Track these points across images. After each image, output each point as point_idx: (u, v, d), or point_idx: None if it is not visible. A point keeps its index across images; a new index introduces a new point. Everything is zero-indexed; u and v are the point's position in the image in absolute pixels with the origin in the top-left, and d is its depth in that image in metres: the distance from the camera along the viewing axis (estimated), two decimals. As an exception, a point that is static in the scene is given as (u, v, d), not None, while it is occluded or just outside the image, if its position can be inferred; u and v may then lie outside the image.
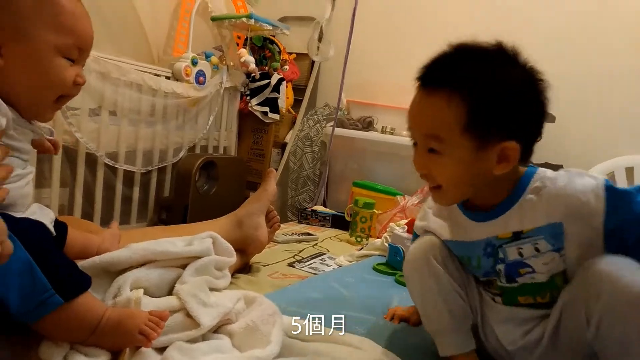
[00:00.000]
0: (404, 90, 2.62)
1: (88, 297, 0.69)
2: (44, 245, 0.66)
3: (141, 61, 2.09)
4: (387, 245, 1.48)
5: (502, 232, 0.76)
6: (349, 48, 2.24)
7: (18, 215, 0.67)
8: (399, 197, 1.87)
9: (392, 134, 2.42)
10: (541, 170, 0.76)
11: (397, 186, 2.06)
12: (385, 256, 1.47)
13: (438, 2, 2.44)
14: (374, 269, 1.40)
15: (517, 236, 0.75)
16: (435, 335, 0.85)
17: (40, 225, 0.69)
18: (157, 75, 2.01)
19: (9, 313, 0.62)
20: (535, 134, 0.73)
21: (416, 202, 1.82)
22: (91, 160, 1.79)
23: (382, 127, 2.44)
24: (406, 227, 1.44)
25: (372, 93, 2.52)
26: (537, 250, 0.74)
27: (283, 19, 2.68)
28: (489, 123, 0.69)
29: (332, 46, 2.25)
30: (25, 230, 0.65)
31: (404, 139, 2.35)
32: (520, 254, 0.75)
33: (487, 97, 0.69)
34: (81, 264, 0.78)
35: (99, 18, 2.26)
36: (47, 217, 0.73)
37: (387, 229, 1.58)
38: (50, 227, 0.73)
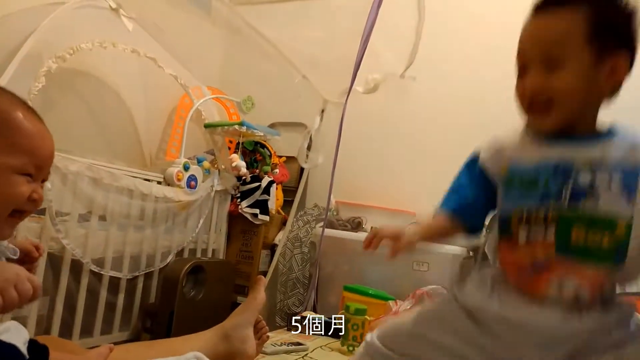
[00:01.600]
0: (391, 192, 2.69)
1: None
2: None
3: (134, 165, 2.14)
4: (380, 356, 1.41)
5: (580, 158, 0.78)
6: (336, 154, 2.32)
7: None
8: (390, 303, 1.83)
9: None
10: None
11: (388, 289, 2.02)
12: (379, 368, 1.40)
13: (416, 109, 2.57)
14: (368, 383, 1.33)
15: (593, 165, 0.77)
16: None
17: (11, 348, 0.66)
18: (148, 180, 2.05)
19: None
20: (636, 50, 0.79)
21: (408, 307, 1.77)
22: (76, 267, 1.75)
23: (371, 227, 2.45)
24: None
25: (360, 194, 2.57)
26: (608, 185, 0.76)
27: (273, 125, 2.79)
28: (607, 35, 0.76)
29: (321, 154, 2.34)
30: None
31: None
32: (591, 182, 0.77)
33: (606, 10, 0.77)
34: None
35: (96, 123, 2.35)
36: (20, 337, 0.70)
37: (380, 338, 1.52)
38: (23, 348, 0.69)
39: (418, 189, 2.49)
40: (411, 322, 0.90)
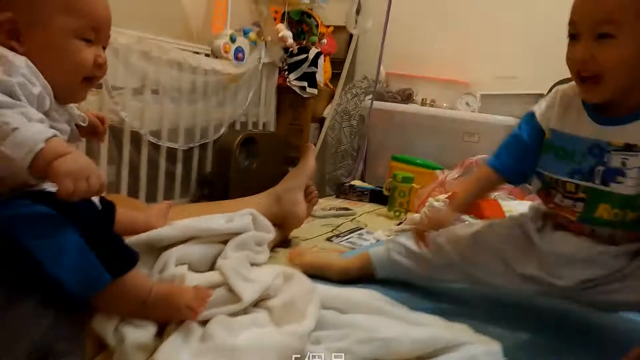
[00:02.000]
0: (444, 61, 2.58)
1: (136, 274, 0.72)
2: (93, 223, 0.69)
3: (180, 39, 2.12)
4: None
5: (616, 140, 0.82)
6: (387, 20, 2.19)
7: None
8: (438, 172, 1.84)
9: (432, 106, 2.37)
10: None
11: (437, 160, 2.03)
12: (424, 231, 1.46)
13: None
14: (412, 243, 1.40)
15: (628, 147, 0.81)
16: None
17: (87, 201, 0.72)
18: (196, 53, 2.04)
19: (64, 291, 0.66)
20: None
21: (456, 176, 1.79)
22: (136, 138, 1.85)
23: (422, 99, 2.39)
24: (447, 202, 1.42)
25: (411, 65, 2.47)
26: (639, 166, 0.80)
27: (320, -8, 2.64)
28: None
29: (370, 18, 2.21)
30: (72, 206, 0.67)
31: (445, 111, 2.30)
32: (624, 164, 0.81)
33: None
34: (128, 240, 0.81)
35: (139, -3, 2.30)
36: None
37: (426, 204, 1.57)
38: (95, 200, 0.76)
39: (473, 58, 2.36)
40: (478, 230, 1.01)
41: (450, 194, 1.48)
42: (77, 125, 0.85)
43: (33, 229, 0.62)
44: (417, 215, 1.58)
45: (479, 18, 2.35)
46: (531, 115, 0.94)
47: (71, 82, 0.71)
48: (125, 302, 0.71)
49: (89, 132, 0.87)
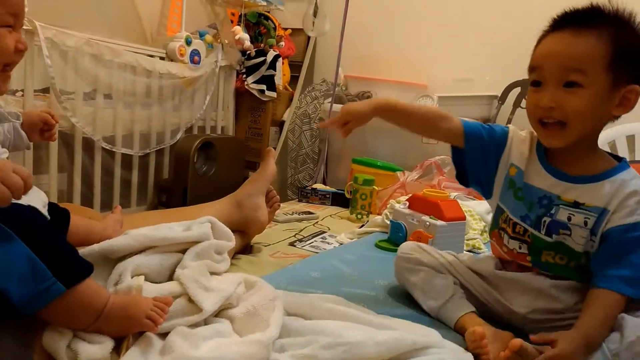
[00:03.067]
0: (402, 64, 2.60)
1: (91, 284, 0.68)
2: (39, 232, 0.66)
3: (134, 42, 2.06)
4: (388, 222, 1.48)
5: (566, 196, 0.85)
6: (344, 22, 2.20)
7: None
8: (398, 173, 1.86)
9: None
10: (632, 170, 0.86)
11: (397, 162, 2.05)
12: (386, 233, 1.47)
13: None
14: (377, 245, 1.40)
15: (577, 205, 0.84)
16: (439, 310, 0.93)
17: (30, 210, 0.68)
18: (151, 56, 1.99)
19: (11, 304, 0.62)
20: None
21: (416, 177, 1.81)
22: (88, 145, 1.78)
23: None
24: (407, 203, 1.44)
25: (370, 67, 2.49)
26: (585, 223, 0.83)
27: (277, -6, 2.62)
28: (627, 63, 0.79)
29: (328, 21, 2.21)
30: (17, 217, 0.63)
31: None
32: (569, 219, 0.84)
33: (629, 40, 0.79)
34: (81, 251, 0.77)
35: (90, -1, 2.22)
36: (39, 200, 0.73)
37: (388, 206, 1.58)
38: (44, 210, 0.72)
39: (430, 61, 2.40)
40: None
41: (410, 195, 1.49)
42: (25, 130, 0.80)
43: None
44: (379, 218, 1.59)
45: (435, 22, 2.39)
46: (505, 132, 0.95)
47: None
48: (79, 315, 0.67)
49: (39, 132, 0.83)
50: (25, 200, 0.68)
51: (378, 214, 1.70)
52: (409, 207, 1.41)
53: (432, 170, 1.83)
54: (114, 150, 1.85)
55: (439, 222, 1.31)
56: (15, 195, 0.56)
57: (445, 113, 0.96)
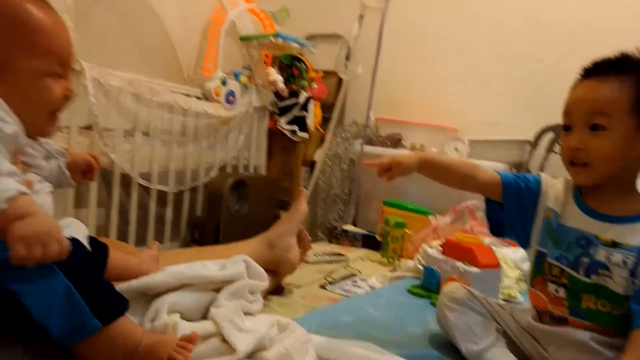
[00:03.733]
0: (432, 107, 2.61)
1: (126, 321, 0.69)
2: (82, 267, 0.67)
3: (172, 81, 2.14)
4: (420, 267, 1.45)
5: (604, 236, 0.85)
6: (376, 65, 2.24)
7: None
8: (430, 217, 1.84)
9: (421, 151, 2.40)
10: None
11: (428, 205, 2.02)
12: (419, 278, 1.44)
13: (465, 19, 2.42)
14: (409, 291, 1.38)
15: (615, 244, 0.83)
16: (479, 355, 0.92)
17: (73, 242, 0.70)
18: (187, 95, 2.05)
19: (51, 337, 0.62)
20: None
21: (448, 221, 1.78)
22: (126, 181, 1.83)
23: (411, 144, 2.42)
24: (441, 249, 1.41)
25: (400, 110, 2.51)
26: (624, 263, 0.82)
27: (310, 37, 2.70)
28: None
29: (360, 64, 2.25)
30: None
31: (434, 156, 2.32)
32: (608, 259, 0.83)
33: None
34: (119, 287, 0.78)
35: (132, 39, 2.33)
36: (81, 232, 0.74)
37: (420, 250, 1.55)
38: (85, 242, 0.73)
39: (461, 104, 2.41)
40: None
41: (445, 240, 1.46)
42: (69, 169, 0.83)
43: (18, 272, 0.59)
44: (411, 262, 1.57)
45: (466, 65, 2.41)
46: (538, 179, 0.97)
47: (39, 118, 0.71)
48: (113, 352, 0.67)
49: (81, 173, 0.86)
50: (68, 233, 0.70)
51: (410, 258, 1.68)
52: (443, 252, 1.39)
53: (465, 215, 1.80)
54: (149, 186, 1.89)
55: (474, 269, 1.28)
56: (43, 261, 0.57)
57: (478, 165, 1.00)
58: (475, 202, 1.83)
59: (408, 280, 1.48)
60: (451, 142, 2.33)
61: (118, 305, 0.69)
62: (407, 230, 1.73)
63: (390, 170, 1.01)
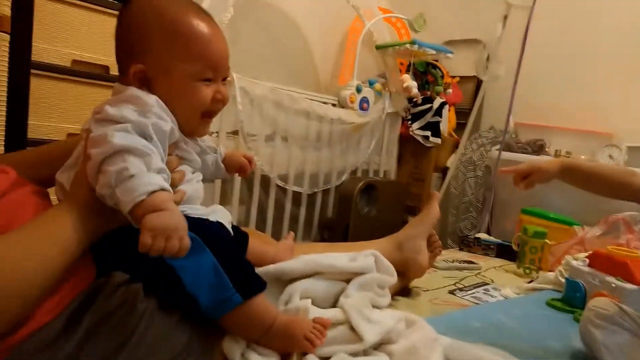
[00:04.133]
0: (581, 110, 2.40)
1: (263, 299, 0.74)
2: (226, 246, 0.74)
3: (310, 90, 2.26)
4: (562, 279, 1.33)
5: None
6: (519, 67, 2.12)
7: (197, 213, 0.75)
8: (577, 228, 1.68)
9: (567, 157, 2.20)
10: None
11: (573, 215, 1.85)
12: (560, 291, 1.33)
13: (616, 20, 2.18)
14: (548, 304, 1.27)
15: None
16: None
17: (219, 226, 0.77)
18: (324, 103, 2.15)
19: (200, 309, 0.70)
20: None
21: (598, 233, 1.61)
22: (265, 182, 1.97)
23: (556, 150, 2.24)
24: (587, 261, 1.28)
25: (543, 115, 2.34)
26: None
27: (446, 43, 2.65)
28: None
29: (503, 65, 2.15)
30: (208, 230, 0.72)
31: (583, 163, 2.12)
32: None
33: None
34: (257, 270, 0.85)
35: (275, 51, 2.51)
36: (226, 217, 0.82)
37: (563, 262, 1.43)
38: (229, 227, 0.81)
39: (616, 107, 2.17)
40: None
41: (592, 252, 1.33)
42: (225, 164, 0.93)
43: None
44: (551, 274, 1.45)
45: (621, 64, 2.17)
46: None
47: (191, 118, 0.77)
48: (251, 327, 0.73)
49: (237, 169, 0.95)
50: (214, 217, 0.78)
51: (550, 271, 1.55)
52: (589, 265, 1.26)
53: (619, 228, 1.61)
54: (286, 187, 2.01)
55: (629, 285, 1.14)
56: (165, 254, 0.60)
57: (634, 171, 0.88)
58: (634, 213, 1.63)
59: (547, 293, 1.37)
60: (604, 148, 2.11)
61: (257, 283, 0.74)
62: (547, 241, 1.60)
63: (528, 177, 0.93)
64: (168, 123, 0.70)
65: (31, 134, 1.36)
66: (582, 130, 2.20)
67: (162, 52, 0.73)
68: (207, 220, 0.77)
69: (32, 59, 1.30)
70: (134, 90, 0.70)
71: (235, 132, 1.92)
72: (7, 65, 1.13)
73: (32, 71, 1.33)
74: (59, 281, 0.63)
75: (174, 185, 0.71)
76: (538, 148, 2.25)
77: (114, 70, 1.52)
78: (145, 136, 0.66)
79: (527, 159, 1.87)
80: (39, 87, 1.47)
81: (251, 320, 0.72)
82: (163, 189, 0.62)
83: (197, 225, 0.70)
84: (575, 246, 1.60)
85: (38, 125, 1.46)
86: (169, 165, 0.71)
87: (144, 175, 0.61)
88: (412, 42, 2.25)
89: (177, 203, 0.69)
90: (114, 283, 0.66)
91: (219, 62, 0.77)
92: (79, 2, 1.50)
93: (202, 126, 0.81)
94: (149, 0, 0.74)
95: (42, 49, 1.47)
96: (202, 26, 0.75)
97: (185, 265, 0.68)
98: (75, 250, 0.64)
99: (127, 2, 0.74)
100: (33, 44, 1.25)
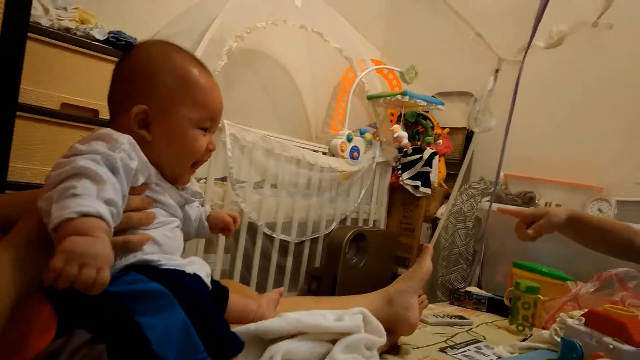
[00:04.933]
0: (570, 164, 2.42)
1: None
2: (200, 303, 0.68)
3: (302, 138, 2.26)
4: (557, 338, 1.28)
5: None
6: (510, 119, 2.14)
7: (172, 264, 0.71)
8: (570, 283, 1.64)
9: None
10: None
11: (565, 270, 1.82)
12: (555, 351, 1.27)
13: (607, 74, 2.23)
14: (543, 365, 1.22)
15: None
16: None
17: (195, 279, 0.72)
18: (315, 151, 2.14)
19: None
20: None
21: (592, 290, 1.57)
22: (252, 230, 1.93)
23: (546, 202, 2.23)
24: (583, 319, 1.24)
25: (533, 167, 2.35)
26: None
27: (437, 95, 2.70)
28: None
29: (494, 117, 2.18)
30: (183, 285, 0.67)
31: (573, 217, 2.11)
32: None
33: None
34: (237, 329, 0.80)
35: (269, 98, 2.53)
36: (204, 270, 0.77)
37: (557, 319, 1.38)
38: (207, 280, 0.76)
39: (606, 162, 2.18)
40: None
41: (587, 310, 1.29)
42: (209, 222, 0.89)
43: (145, 304, 0.62)
44: (545, 332, 1.40)
45: (610, 119, 2.20)
46: None
47: (184, 165, 0.76)
48: None
49: (220, 229, 0.91)
50: (191, 269, 0.74)
51: (544, 328, 1.50)
52: (586, 324, 1.22)
53: (613, 284, 1.57)
54: (273, 236, 1.97)
55: (626, 347, 1.09)
56: (76, 285, 0.52)
57: (634, 228, 0.82)
58: (627, 269, 1.60)
59: (542, 353, 1.31)
60: (594, 202, 2.10)
61: (233, 345, 0.69)
62: (540, 296, 1.56)
63: (533, 224, 0.86)
64: (134, 161, 0.68)
65: (12, 177, 1.33)
66: (572, 183, 2.20)
67: (168, 95, 0.73)
68: (182, 272, 0.73)
69: (20, 101, 1.28)
70: (105, 130, 0.69)
71: (224, 179, 1.90)
72: (-12, 108, 1.10)
73: (19, 113, 1.30)
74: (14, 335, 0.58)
75: (134, 225, 0.68)
76: (528, 200, 2.24)
77: (104, 114, 1.52)
78: (113, 169, 0.63)
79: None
80: (25, 130, 1.45)
81: (223, 385, 0.67)
82: (100, 217, 0.56)
83: (170, 277, 0.66)
84: (569, 303, 1.55)
85: (20, 168, 1.42)
86: (140, 204, 0.69)
87: (87, 197, 0.57)
88: (403, 93, 2.28)
89: (135, 246, 0.66)
90: (73, 346, 0.61)
91: (217, 113, 0.78)
92: (70, 46, 1.50)
93: (188, 174, 0.79)
94: (157, 46, 0.76)
95: (31, 92, 1.46)
96: (205, 77, 0.77)
97: (154, 324, 0.63)
98: (14, 293, 0.57)
99: (133, 46, 0.76)
100: (22, 86, 1.24)
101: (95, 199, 0.58)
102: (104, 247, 0.54)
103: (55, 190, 0.58)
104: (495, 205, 2.16)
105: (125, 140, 0.68)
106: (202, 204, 0.92)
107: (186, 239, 0.84)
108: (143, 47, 0.75)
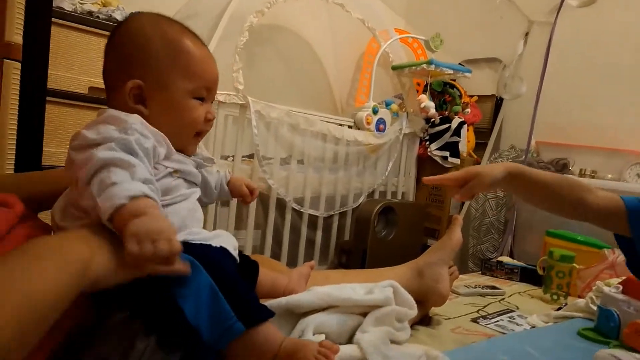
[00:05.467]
0: (606, 129, 2.33)
1: (268, 327, 0.70)
2: (227, 273, 0.69)
3: (326, 112, 2.24)
4: (594, 307, 1.26)
5: None
6: (541, 85, 2.07)
7: (198, 238, 0.72)
8: (606, 251, 1.60)
9: (592, 177, 2.13)
10: None
11: (602, 238, 1.77)
12: (591, 320, 1.25)
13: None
14: (580, 334, 1.20)
15: None
16: None
17: (221, 251, 0.73)
18: (340, 125, 2.12)
19: (202, 340, 0.66)
20: None
21: (629, 257, 1.53)
22: (281, 205, 1.94)
23: (580, 169, 2.17)
24: (620, 287, 1.21)
25: (566, 133, 2.27)
26: None
27: (464, 62, 2.62)
28: None
29: (524, 83, 2.11)
30: (210, 258, 0.68)
31: (608, 182, 2.05)
32: None
33: None
34: (268, 303, 0.81)
35: (291, 74, 2.51)
36: (231, 243, 0.78)
37: (594, 288, 1.35)
38: (234, 253, 0.77)
39: (643, 124, 2.10)
40: None
41: (625, 278, 1.26)
42: (228, 187, 0.90)
43: (174, 276, 0.63)
44: (581, 301, 1.37)
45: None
46: None
47: (185, 136, 0.77)
48: (257, 355, 0.68)
49: (238, 197, 0.92)
50: (217, 242, 0.74)
51: (579, 297, 1.47)
52: (623, 292, 1.19)
53: (652, 251, 1.53)
54: (302, 210, 1.98)
55: (666, 315, 1.06)
56: (155, 260, 0.56)
57: (588, 185, 0.77)
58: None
59: (578, 322, 1.29)
60: (632, 167, 2.03)
61: (261, 312, 0.70)
62: (576, 265, 1.53)
63: (465, 185, 0.81)
64: (150, 140, 0.69)
65: (46, 160, 1.36)
66: (608, 148, 2.13)
67: (162, 68, 0.73)
68: (208, 246, 0.74)
69: (49, 86, 1.30)
70: (111, 111, 0.69)
71: (251, 156, 1.90)
72: (17, 93, 1.13)
73: (49, 98, 1.33)
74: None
75: None
76: (562, 167, 2.18)
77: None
78: (131, 152, 0.64)
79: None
80: (56, 114, 1.48)
81: (256, 349, 0.68)
82: (146, 196, 0.59)
83: (197, 251, 0.67)
84: (606, 271, 1.52)
85: (53, 152, 1.46)
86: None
87: (126, 182, 0.59)
88: (429, 62, 2.22)
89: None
90: (111, 323, 0.63)
91: (213, 83, 0.79)
92: (93, 29, 1.52)
93: (193, 145, 0.80)
94: (149, 19, 0.75)
95: (60, 77, 1.48)
96: (198, 46, 0.77)
97: (185, 293, 0.65)
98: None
99: (124, 19, 0.76)
100: (50, 71, 1.26)
101: (132, 181, 0.60)
102: (163, 221, 0.58)
103: (92, 186, 0.59)
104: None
105: (135, 120, 0.68)
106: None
107: (209, 202, 0.88)
108: (134, 20, 0.75)
